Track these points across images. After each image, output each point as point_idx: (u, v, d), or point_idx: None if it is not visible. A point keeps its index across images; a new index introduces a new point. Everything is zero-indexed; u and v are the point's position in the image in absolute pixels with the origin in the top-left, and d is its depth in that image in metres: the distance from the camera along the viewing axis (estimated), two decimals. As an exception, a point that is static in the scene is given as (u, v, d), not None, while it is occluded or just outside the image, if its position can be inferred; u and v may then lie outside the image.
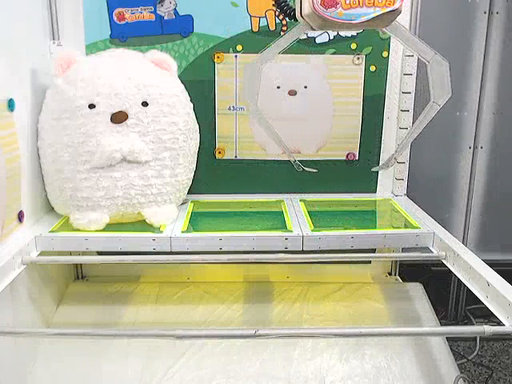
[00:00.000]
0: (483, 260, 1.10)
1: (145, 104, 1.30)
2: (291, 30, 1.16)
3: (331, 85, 1.56)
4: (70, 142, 1.28)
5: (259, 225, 1.39)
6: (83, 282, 1.72)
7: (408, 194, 1.67)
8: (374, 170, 1.50)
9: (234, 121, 1.58)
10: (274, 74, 1.54)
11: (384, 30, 1.14)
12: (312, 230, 1.30)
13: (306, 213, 1.46)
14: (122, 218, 1.36)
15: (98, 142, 1.27)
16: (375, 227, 1.45)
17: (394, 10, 1.09)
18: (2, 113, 1.16)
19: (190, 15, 1.49)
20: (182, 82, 1.42)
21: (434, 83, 1.19)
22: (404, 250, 1.54)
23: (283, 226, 1.34)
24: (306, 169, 1.43)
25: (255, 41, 1.51)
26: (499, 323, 0.94)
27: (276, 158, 1.62)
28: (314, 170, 1.45)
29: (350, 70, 1.55)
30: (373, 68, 1.55)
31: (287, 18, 1.40)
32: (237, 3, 1.48)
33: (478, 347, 1.96)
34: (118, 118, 1.27)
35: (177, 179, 1.39)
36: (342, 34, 1.52)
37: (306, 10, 1.10)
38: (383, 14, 1.09)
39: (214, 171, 1.62)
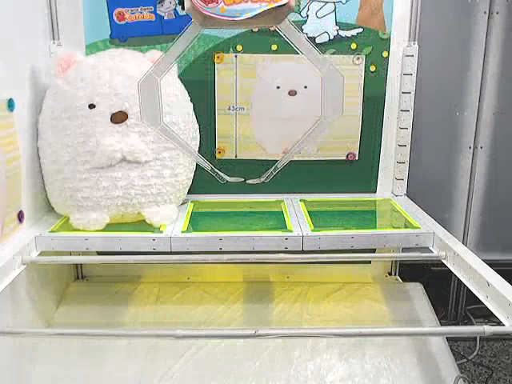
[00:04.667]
0: (483, 260, 1.10)
1: (145, 104, 1.30)
2: (184, 33, 1.06)
3: (331, 85, 1.56)
4: (70, 142, 1.28)
5: (259, 225, 1.39)
6: (83, 281, 1.72)
7: (408, 194, 1.67)
8: (249, 182, 1.31)
9: (233, 121, 1.58)
10: (274, 74, 1.54)
11: (278, 30, 1.05)
12: (312, 230, 1.30)
13: (306, 213, 1.46)
14: (122, 218, 1.36)
15: (97, 142, 1.27)
16: (375, 227, 1.45)
17: (282, 6, 1.00)
18: (2, 113, 1.16)
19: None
20: (182, 81, 1.42)
21: (326, 99, 1.10)
22: (404, 249, 1.54)
23: (283, 226, 1.34)
24: (230, 179, 1.28)
25: (255, 41, 1.51)
26: (499, 323, 0.94)
27: (276, 158, 1.61)
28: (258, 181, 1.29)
29: (350, 70, 1.55)
30: (373, 68, 1.55)
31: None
32: (237, 3, 1.48)
33: (478, 347, 1.96)
34: (118, 117, 1.27)
35: (177, 179, 1.39)
36: (342, 34, 1.52)
37: (187, 4, 1.01)
38: (272, 10, 1.01)
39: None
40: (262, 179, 1.28)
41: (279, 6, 1.01)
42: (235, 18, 1.00)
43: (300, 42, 1.08)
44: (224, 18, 1.00)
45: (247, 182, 1.29)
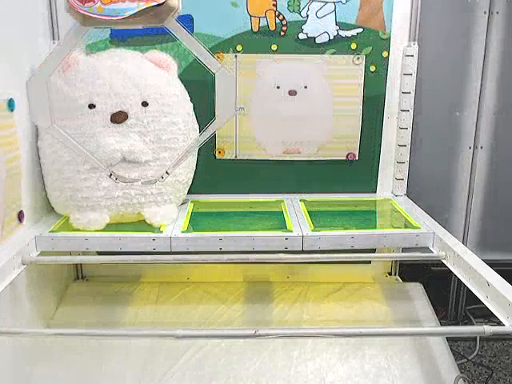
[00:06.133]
0: (483, 260, 1.10)
1: (145, 104, 1.30)
2: (70, 32, 1.06)
3: (331, 85, 1.56)
4: (70, 142, 1.28)
5: (259, 225, 1.39)
6: (83, 281, 1.72)
7: (408, 194, 1.67)
8: (143, 183, 1.32)
9: (233, 121, 1.58)
10: (274, 74, 1.54)
11: (167, 28, 1.05)
12: (312, 230, 1.30)
13: (306, 213, 1.46)
14: (122, 218, 1.36)
15: (97, 142, 1.27)
16: (375, 227, 1.45)
17: (161, 5, 1.00)
18: (2, 113, 1.16)
19: (190, 15, 1.49)
20: (182, 81, 1.42)
21: (218, 99, 1.11)
22: (404, 249, 1.54)
23: (283, 226, 1.34)
24: (127, 181, 1.30)
25: (255, 41, 1.51)
26: (499, 323, 0.94)
27: (276, 158, 1.62)
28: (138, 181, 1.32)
29: (350, 70, 1.55)
30: (373, 68, 1.55)
31: None
32: (237, 3, 1.48)
33: (478, 347, 1.96)
34: (118, 117, 1.28)
35: (177, 179, 1.39)
36: (342, 34, 1.52)
37: (65, 5, 1.01)
38: (152, 9, 1.00)
39: (214, 171, 1.62)
40: (152, 182, 1.30)
41: (157, 5, 1.01)
42: (113, 18, 1.01)
43: (190, 41, 1.08)
44: (103, 18, 1.01)
45: (141, 182, 1.31)
